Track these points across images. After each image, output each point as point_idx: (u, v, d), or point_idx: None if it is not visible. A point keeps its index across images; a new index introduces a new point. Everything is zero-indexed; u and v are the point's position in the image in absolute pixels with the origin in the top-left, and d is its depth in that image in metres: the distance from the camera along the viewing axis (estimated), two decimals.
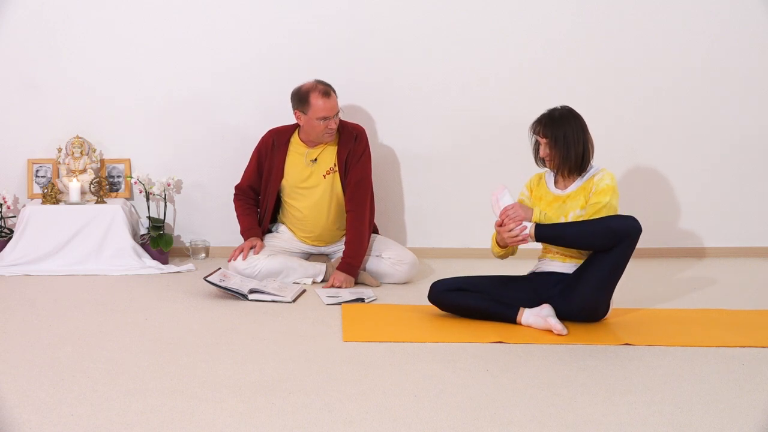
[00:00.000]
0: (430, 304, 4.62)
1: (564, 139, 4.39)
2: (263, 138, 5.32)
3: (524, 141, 4.56)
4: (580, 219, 4.35)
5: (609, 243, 4.24)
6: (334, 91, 5.14)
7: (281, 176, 5.25)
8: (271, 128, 5.35)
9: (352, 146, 5.19)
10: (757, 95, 5.91)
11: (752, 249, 5.98)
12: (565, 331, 4.24)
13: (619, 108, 5.86)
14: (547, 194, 4.52)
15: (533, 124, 4.49)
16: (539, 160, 4.53)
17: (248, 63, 5.73)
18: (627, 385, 3.63)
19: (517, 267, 5.02)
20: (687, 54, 5.84)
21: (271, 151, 5.26)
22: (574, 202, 4.42)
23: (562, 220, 4.38)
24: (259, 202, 5.37)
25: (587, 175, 4.45)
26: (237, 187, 5.39)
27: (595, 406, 3.42)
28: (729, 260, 5.86)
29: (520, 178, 4.79)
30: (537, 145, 4.50)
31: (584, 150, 4.41)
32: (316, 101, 5.06)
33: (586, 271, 4.34)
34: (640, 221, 4.28)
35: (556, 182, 4.53)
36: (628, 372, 3.79)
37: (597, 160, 4.54)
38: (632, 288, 4.81)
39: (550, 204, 4.48)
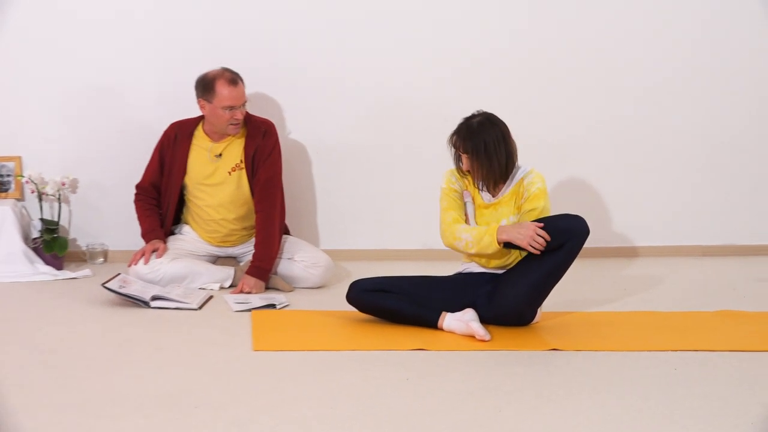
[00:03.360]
0: (346, 309, 4.56)
1: (485, 151, 4.28)
2: (165, 131, 5.26)
3: (446, 134, 4.42)
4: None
5: (556, 243, 4.17)
6: (242, 80, 5.10)
7: (184, 172, 5.19)
8: (173, 121, 5.27)
9: (260, 142, 5.14)
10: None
11: (682, 248, 6.03)
12: (488, 337, 4.18)
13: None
14: (478, 199, 4.41)
15: (451, 136, 4.38)
16: (462, 173, 4.42)
17: (150, 54, 5.63)
18: (555, 393, 3.60)
19: (443, 268, 4.95)
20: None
21: (173, 145, 5.21)
22: (506, 208, 4.35)
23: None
24: (161, 201, 5.28)
25: (516, 178, 4.36)
26: (138, 186, 5.30)
27: (522, 415, 3.38)
28: (660, 260, 5.91)
29: (439, 172, 4.61)
30: (458, 156, 4.39)
31: (507, 158, 4.32)
32: (222, 89, 5.02)
33: (522, 271, 4.27)
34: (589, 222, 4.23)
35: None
36: (556, 379, 3.76)
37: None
38: (560, 290, 4.79)
39: (482, 212, 4.37)
